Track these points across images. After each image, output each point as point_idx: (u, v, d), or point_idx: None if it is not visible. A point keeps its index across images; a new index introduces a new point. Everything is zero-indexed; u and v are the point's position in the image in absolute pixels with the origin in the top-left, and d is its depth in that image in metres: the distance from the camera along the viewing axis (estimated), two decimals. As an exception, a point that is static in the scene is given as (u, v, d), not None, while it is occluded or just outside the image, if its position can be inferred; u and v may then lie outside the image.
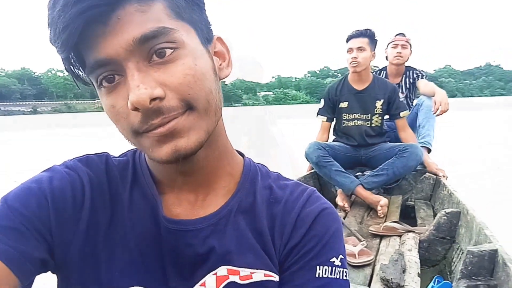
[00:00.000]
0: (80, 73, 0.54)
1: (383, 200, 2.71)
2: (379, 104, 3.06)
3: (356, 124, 3.12)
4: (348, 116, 3.14)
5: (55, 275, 0.60)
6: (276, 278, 0.62)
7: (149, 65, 0.51)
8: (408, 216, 2.97)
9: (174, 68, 0.51)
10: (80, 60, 0.53)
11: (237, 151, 0.74)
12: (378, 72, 3.82)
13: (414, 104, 3.82)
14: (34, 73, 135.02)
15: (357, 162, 3.22)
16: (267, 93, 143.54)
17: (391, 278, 1.68)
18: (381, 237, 2.33)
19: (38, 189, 0.56)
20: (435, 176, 3.12)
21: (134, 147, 0.64)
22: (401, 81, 3.69)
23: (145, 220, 0.62)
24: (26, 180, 0.58)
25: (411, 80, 3.67)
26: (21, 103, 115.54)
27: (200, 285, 0.59)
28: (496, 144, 9.51)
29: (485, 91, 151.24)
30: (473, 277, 1.64)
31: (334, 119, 3.28)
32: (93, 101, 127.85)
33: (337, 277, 0.61)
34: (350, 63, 2.98)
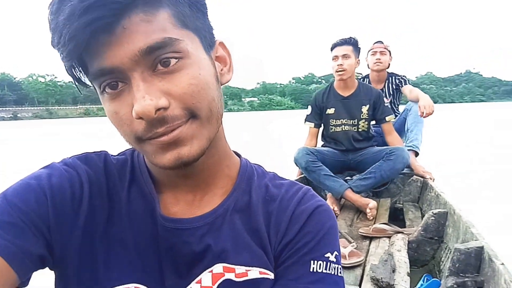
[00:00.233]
0: (82, 77, 0.55)
1: (372, 203, 2.75)
2: (365, 109, 3.12)
3: (344, 129, 3.18)
4: (335, 122, 3.20)
5: (52, 272, 0.61)
6: (271, 276, 0.62)
7: (154, 74, 0.51)
8: (397, 218, 3.02)
9: (179, 77, 0.52)
10: (83, 66, 0.53)
11: (234, 151, 0.75)
12: (361, 79, 3.92)
13: (399, 109, 3.92)
14: (15, 78, 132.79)
15: (345, 167, 3.26)
16: (252, 99, 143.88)
17: (381, 278, 1.71)
18: (371, 238, 2.37)
19: (37, 186, 0.56)
20: (422, 179, 3.20)
21: (128, 148, 0.66)
22: (384, 87, 3.79)
23: (143, 218, 0.62)
24: (25, 176, 0.58)
25: (394, 86, 3.78)
26: (1, 109, 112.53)
27: (196, 283, 0.60)
28: (479, 144, 9.77)
29: (465, 98, 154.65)
30: (461, 274, 1.68)
31: (322, 125, 3.34)
32: (75, 107, 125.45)
33: (332, 272, 0.61)
34: (336, 71, 3.05)
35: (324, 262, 0.61)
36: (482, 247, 1.66)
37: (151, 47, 0.49)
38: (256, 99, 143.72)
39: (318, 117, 3.30)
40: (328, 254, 0.62)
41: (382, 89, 3.72)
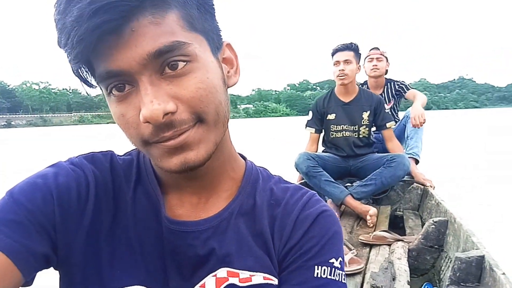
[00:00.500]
0: (89, 78, 0.55)
1: (372, 210, 2.74)
2: (365, 115, 3.12)
3: (344, 135, 3.17)
4: (336, 128, 3.20)
5: (57, 272, 0.60)
6: (275, 281, 0.62)
7: (162, 77, 0.51)
8: (396, 226, 3.01)
9: (187, 81, 0.52)
10: (90, 68, 0.53)
11: (240, 154, 0.74)
12: (359, 86, 3.91)
13: (398, 115, 3.92)
14: (8, 86, 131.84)
15: (346, 173, 3.25)
16: (247, 106, 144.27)
17: (382, 286, 1.70)
18: (371, 246, 2.35)
19: (44, 185, 0.56)
20: (422, 187, 3.18)
21: (134, 149, 0.65)
22: (383, 93, 3.80)
23: (148, 219, 0.62)
24: (31, 175, 0.58)
25: (394, 92, 3.78)
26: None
27: (200, 286, 0.60)
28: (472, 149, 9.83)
29: (459, 104, 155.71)
30: (461, 283, 1.67)
31: (323, 130, 3.33)
32: (70, 114, 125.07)
33: (337, 279, 0.60)
34: (338, 76, 3.05)
35: (329, 268, 0.60)
36: (483, 256, 1.65)
37: (160, 50, 0.49)
38: (251, 106, 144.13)
39: (319, 122, 3.30)
40: (333, 260, 0.61)
41: (381, 95, 3.73)
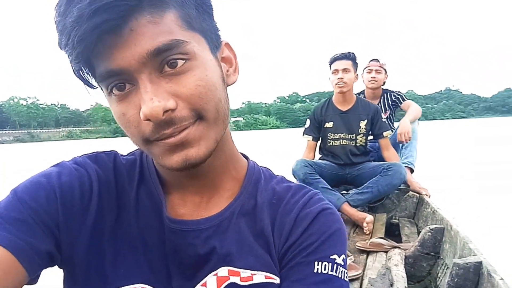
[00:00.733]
0: (90, 79, 0.55)
1: (369, 217, 2.76)
2: (363, 124, 3.16)
3: (342, 143, 3.21)
4: (334, 136, 3.23)
5: (61, 271, 0.61)
6: (277, 280, 0.61)
7: (161, 75, 0.52)
8: (392, 233, 3.03)
9: (186, 79, 0.52)
10: (91, 68, 0.53)
11: (242, 154, 0.75)
12: (357, 95, 3.96)
13: (394, 125, 3.97)
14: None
15: (342, 180, 3.28)
16: (237, 118, 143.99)
17: (380, 291, 1.70)
18: (368, 252, 2.37)
19: (47, 184, 0.56)
20: (418, 195, 3.22)
21: (137, 149, 0.66)
22: (380, 103, 3.85)
23: (151, 219, 0.63)
24: (34, 174, 0.59)
25: (391, 102, 3.84)
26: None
27: (201, 285, 0.60)
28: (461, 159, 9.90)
29: (446, 114, 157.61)
30: None
31: (320, 138, 3.36)
32: (58, 130, 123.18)
33: (339, 275, 0.60)
34: (336, 84, 3.09)
35: (330, 264, 0.60)
36: (480, 262, 1.67)
37: (159, 49, 0.49)
38: (241, 118, 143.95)
39: (316, 130, 3.34)
40: (335, 256, 0.61)
41: (377, 105, 3.78)
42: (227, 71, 0.64)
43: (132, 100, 0.52)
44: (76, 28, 0.46)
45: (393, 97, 3.84)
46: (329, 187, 2.99)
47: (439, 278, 2.17)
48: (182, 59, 0.52)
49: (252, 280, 0.60)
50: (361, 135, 3.17)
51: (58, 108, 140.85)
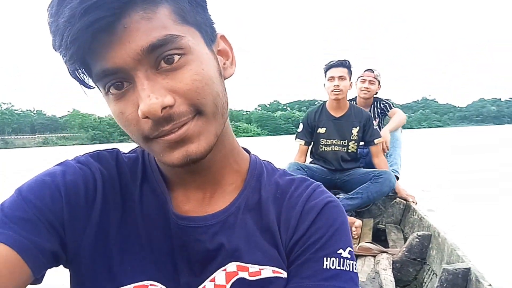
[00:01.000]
0: (86, 79, 0.54)
1: (358, 222, 2.83)
2: (355, 131, 3.23)
3: (333, 149, 3.27)
4: (326, 141, 3.29)
5: (67, 270, 0.61)
6: (284, 274, 0.62)
7: (157, 72, 0.51)
8: (379, 238, 3.10)
9: (182, 74, 0.52)
10: (86, 68, 0.53)
11: (243, 148, 0.75)
12: (349, 101, 4.04)
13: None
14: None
15: (332, 185, 3.34)
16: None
17: (371, 294, 1.75)
18: (357, 256, 2.42)
19: (52, 182, 0.56)
20: (405, 202, 3.31)
21: (139, 146, 0.65)
22: (370, 110, 3.94)
23: (156, 216, 0.62)
24: (39, 173, 0.58)
25: (379, 110, 3.95)
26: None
27: (210, 281, 0.60)
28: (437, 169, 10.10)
29: (423, 123, 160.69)
30: None
31: (312, 143, 3.42)
32: (33, 136, 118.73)
33: (347, 269, 0.60)
34: (332, 91, 3.15)
35: (337, 259, 0.60)
36: (469, 269, 1.72)
37: (153, 45, 0.49)
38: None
39: (309, 135, 3.39)
40: (341, 251, 0.61)
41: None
42: (224, 64, 0.63)
43: (130, 99, 0.52)
44: (69, 28, 0.46)
45: (381, 105, 3.94)
46: (320, 191, 3.04)
47: (425, 283, 2.23)
48: (178, 54, 0.51)
49: (260, 275, 0.60)
50: (353, 141, 3.25)
51: (34, 114, 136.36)
